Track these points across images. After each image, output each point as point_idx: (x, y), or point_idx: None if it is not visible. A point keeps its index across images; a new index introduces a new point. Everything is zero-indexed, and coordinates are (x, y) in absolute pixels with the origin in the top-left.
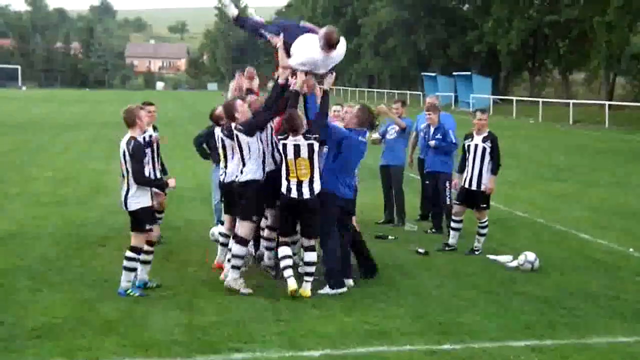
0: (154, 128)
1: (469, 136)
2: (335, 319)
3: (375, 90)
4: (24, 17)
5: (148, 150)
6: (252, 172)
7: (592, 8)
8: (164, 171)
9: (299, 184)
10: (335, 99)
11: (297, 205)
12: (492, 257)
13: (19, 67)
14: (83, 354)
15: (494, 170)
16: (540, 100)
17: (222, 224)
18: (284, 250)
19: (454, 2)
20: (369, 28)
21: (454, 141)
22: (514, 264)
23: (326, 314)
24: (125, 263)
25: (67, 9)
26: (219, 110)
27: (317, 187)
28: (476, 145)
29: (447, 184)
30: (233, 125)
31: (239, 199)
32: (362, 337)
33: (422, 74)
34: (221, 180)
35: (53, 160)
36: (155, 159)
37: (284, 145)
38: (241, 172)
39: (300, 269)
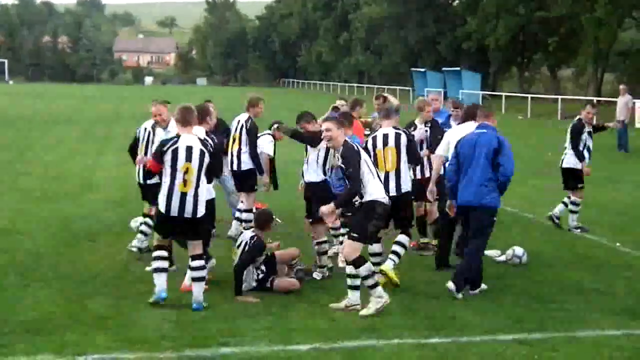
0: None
1: (583, 126)
2: (324, 313)
3: (365, 85)
4: (11, 11)
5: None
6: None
7: (581, 4)
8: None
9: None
10: (327, 96)
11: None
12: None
13: (5, 61)
14: (72, 350)
15: None
16: (529, 95)
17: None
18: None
19: None
20: (359, 23)
21: None
22: (502, 258)
23: (315, 308)
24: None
25: (54, 3)
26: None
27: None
28: (589, 132)
29: None
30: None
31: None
32: (352, 331)
33: (412, 69)
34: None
35: (43, 155)
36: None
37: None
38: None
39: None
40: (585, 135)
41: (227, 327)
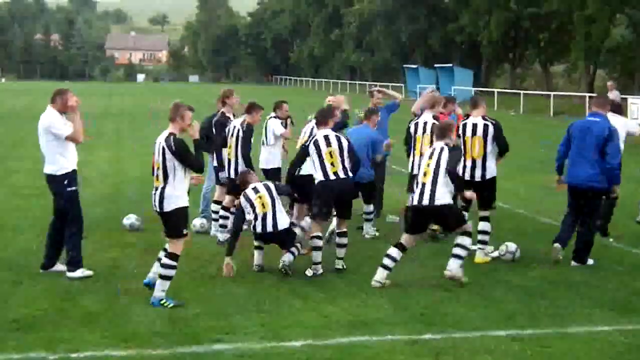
0: None
1: None
2: (317, 309)
3: (357, 82)
4: (2, 8)
5: None
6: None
7: (572, 1)
8: None
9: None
10: (319, 92)
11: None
12: (472, 247)
13: None
14: (64, 346)
15: None
16: (521, 92)
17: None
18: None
19: None
20: (351, 19)
21: None
22: (495, 254)
23: (308, 304)
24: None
25: (46, 0)
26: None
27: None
28: None
29: None
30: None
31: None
32: (344, 327)
33: (404, 66)
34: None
35: (33, 152)
36: None
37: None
38: None
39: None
40: None
41: (220, 324)
